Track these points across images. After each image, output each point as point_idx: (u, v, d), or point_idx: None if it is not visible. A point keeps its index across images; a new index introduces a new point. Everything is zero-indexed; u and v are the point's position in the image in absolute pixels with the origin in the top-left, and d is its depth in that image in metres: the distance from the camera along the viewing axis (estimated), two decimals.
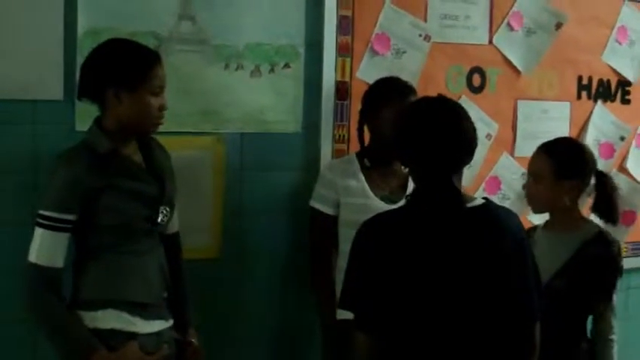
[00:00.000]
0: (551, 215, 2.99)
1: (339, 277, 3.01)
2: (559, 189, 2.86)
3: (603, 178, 2.95)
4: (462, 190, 2.28)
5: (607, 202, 2.93)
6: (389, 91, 3.01)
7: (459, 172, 2.28)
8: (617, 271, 2.88)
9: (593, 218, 3.00)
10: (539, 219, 3.76)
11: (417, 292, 2.18)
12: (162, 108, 2.49)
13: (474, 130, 2.27)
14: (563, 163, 2.87)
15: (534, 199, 2.95)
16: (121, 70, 2.40)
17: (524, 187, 3.01)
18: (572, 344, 2.89)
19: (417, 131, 2.22)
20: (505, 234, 2.26)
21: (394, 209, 2.37)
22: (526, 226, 3.78)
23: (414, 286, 2.18)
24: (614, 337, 2.91)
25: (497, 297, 2.23)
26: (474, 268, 2.20)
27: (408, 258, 2.18)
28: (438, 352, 2.21)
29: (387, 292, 2.17)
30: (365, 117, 3.10)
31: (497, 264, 2.22)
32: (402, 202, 2.39)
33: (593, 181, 2.93)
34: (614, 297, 2.91)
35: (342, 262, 2.98)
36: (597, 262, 2.84)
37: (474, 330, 2.21)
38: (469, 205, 2.25)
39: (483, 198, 2.33)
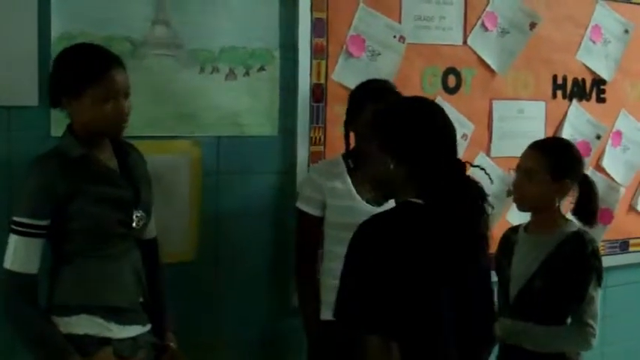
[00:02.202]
0: (533, 215, 2.99)
1: (323, 279, 3.04)
2: (553, 188, 2.87)
3: (588, 182, 2.96)
4: None
5: (588, 205, 2.95)
6: (371, 93, 2.99)
7: None
8: (591, 270, 2.85)
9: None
10: (518, 219, 3.80)
11: (433, 286, 2.16)
12: (118, 113, 2.44)
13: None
14: (560, 163, 2.88)
15: (525, 196, 2.92)
16: (67, 78, 2.42)
17: (513, 184, 2.98)
18: None
19: (420, 126, 2.19)
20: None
21: (393, 209, 2.28)
22: (504, 226, 3.83)
23: (431, 281, 2.16)
24: (591, 340, 2.88)
25: (482, 293, 2.27)
26: (476, 264, 2.22)
27: (428, 252, 2.14)
28: (443, 347, 2.21)
29: (405, 291, 2.12)
30: (349, 119, 3.09)
31: (483, 260, 2.25)
32: (387, 205, 2.38)
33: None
34: (594, 300, 2.87)
35: (328, 263, 3.02)
36: (570, 262, 2.84)
37: (467, 329, 2.23)
38: None
39: None
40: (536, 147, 2.95)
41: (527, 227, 3.03)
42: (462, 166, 2.21)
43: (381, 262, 2.11)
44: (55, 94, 2.45)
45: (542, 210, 2.92)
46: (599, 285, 2.89)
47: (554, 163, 2.86)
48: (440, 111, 2.25)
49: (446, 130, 2.21)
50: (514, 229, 3.10)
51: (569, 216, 3.01)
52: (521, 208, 2.98)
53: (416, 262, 2.13)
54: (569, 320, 2.91)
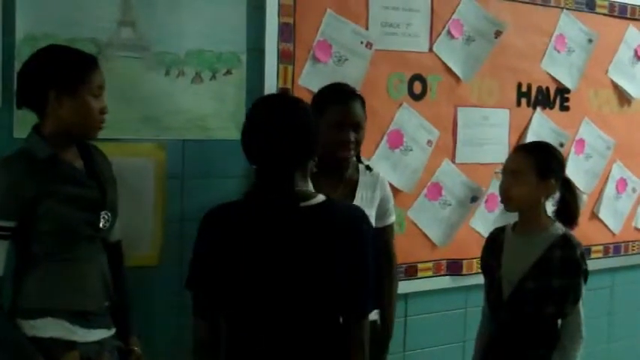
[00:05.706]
0: (521, 215, 3.05)
1: None
2: (539, 187, 2.95)
3: (569, 184, 3.05)
4: (305, 188, 2.35)
5: (569, 207, 3.02)
6: (330, 97, 3.01)
7: (301, 168, 2.34)
8: (580, 273, 2.95)
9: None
10: (482, 226, 3.83)
11: (250, 284, 2.24)
12: (103, 110, 2.49)
13: (315, 125, 2.35)
14: (545, 163, 2.97)
15: (513, 197, 2.99)
16: (61, 73, 2.40)
17: (500, 186, 3.05)
18: (547, 346, 2.96)
19: (256, 128, 2.31)
20: (337, 231, 2.31)
21: (238, 200, 2.39)
22: (468, 232, 3.85)
23: (247, 278, 2.24)
24: (579, 342, 2.97)
25: (324, 292, 2.28)
26: (300, 263, 2.25)
27: (242, 250, 2.23)
28: (272, 342, 2.26)
29: (224, 281, 2.24)
30: None
31: (323, 260, 2.27)
32: None
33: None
34: (580, 301, 2.97)
35: None
36: (562, 265, 2.92)
37: (304, 323, 2.28)
38: (305, 203, 2.30)
39: (326, 196, 2.38)
40: (522, 149, 3.08)
41: (514, 227, 3.10)
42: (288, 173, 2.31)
43: (212, 251, 2.26)
44: (38, 91, 2.41)
45: (528, 210, 3.00)
46: (585, 284, 2.99)
47: (539, 164, 2.96)
48: (283, 113, 2.31)
49: (279, 133, 2.27)
50: (501, 229, 3.17)
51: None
52: (509, 208, 3.06)
53: (240, 254, 2.24)
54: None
